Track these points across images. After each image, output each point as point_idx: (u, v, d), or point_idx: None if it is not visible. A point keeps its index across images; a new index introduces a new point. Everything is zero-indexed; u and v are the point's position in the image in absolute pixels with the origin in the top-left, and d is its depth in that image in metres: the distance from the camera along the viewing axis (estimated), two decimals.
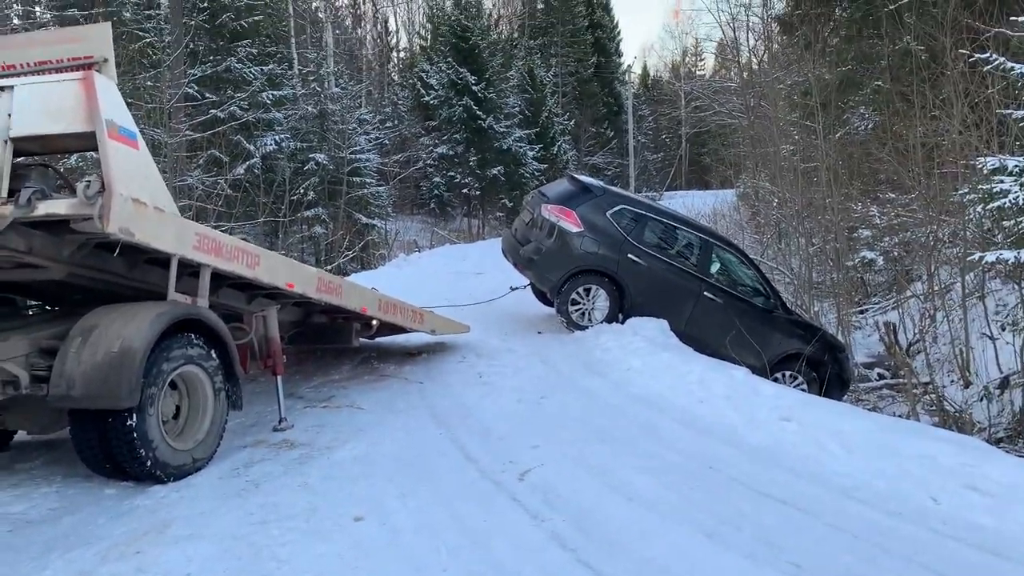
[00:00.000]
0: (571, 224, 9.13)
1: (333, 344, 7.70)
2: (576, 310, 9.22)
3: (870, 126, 16.30)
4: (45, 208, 4.60)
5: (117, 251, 4.86)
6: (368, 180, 24.67)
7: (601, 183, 10.36)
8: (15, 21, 18.33)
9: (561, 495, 4.89)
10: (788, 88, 19.56)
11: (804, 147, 16.40)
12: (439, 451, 5.73)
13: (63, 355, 4.76)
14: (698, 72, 57.23)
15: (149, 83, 18.67)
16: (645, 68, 58.57)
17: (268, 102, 21.68)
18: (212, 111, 20.03)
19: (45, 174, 5.04)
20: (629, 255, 9.12)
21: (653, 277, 9.18)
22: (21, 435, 5.89)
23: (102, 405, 4.73)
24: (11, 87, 4.74)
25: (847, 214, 14.03)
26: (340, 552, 4.13)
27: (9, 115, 4.69)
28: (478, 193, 30.02)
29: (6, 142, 4.69)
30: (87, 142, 4.94)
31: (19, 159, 4.91)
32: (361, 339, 7.79)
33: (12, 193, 4.68)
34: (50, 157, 5.85)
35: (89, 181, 4.52)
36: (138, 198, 4.69)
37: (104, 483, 5.06)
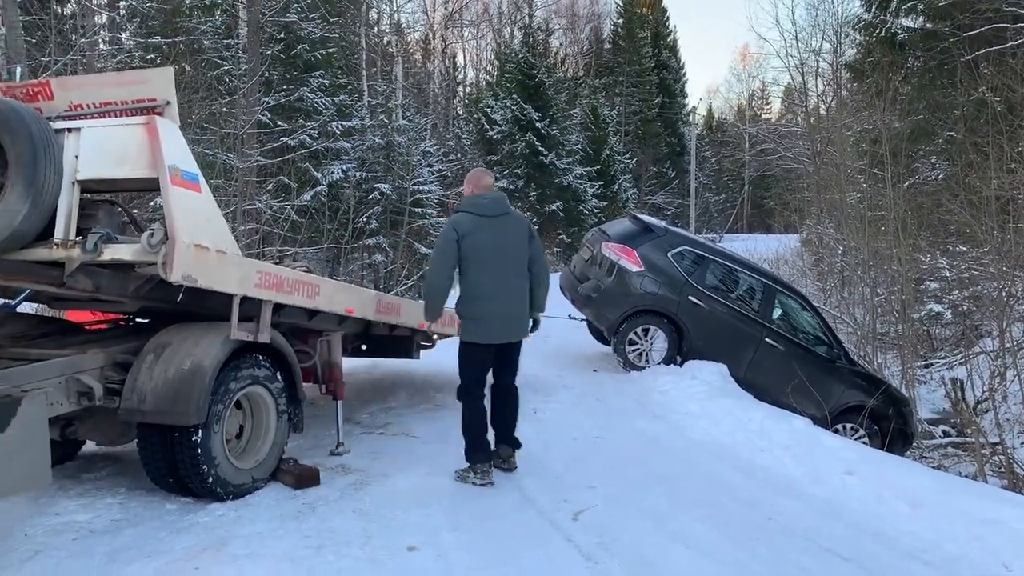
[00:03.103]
0: (631, 263, 9.08)
1: (395, 356, 7.73)
2: (633, 350, 9.15)
3: (941, 176, 16.00)
4: (110, 253, 4.69)
5: (181, 296, 4.91)
6: (429, 211, 25.01)
7: (663, 223, 10.31)
8: (101, 46, 19.13)
9: (616, 538, 4.82)
10: (856, 135, 19.33)
11: (871, 195, 16.14)
12: (494, 486, 5.70)
13: (136, 370, 4.91)
14: (764, 116, 56.96)
15: (224, 109, 19.28)
16: (710, 110, 58.61)
17: (337, 132, 22.20)
18: (283, 139, 20.57)
19: (111, 212, 5.12)
20: (690, 297, 9.03)
21: (713, 320, 9.05)
22: (89, 446, 6.03)
23: (171, 421, 4.85)
24: (78, 128, 4.82)
25: (914, 265, 13.74)
26: None
27: (76, 157, 4.77)
28: (537, 228, 30.13)
29: (73, 184, 4.77)
30: (151, 185, 5.05)
31: (86, 195, 4.99)
32: (423, 350, 7.85)
33: (81, 231, 4.80)
34: (116, 194, 5.97)
35: (153, 230, 4.58)
36: (200, 243, 4.71)
37: (166, 498, 5.15)
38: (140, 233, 5.12)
